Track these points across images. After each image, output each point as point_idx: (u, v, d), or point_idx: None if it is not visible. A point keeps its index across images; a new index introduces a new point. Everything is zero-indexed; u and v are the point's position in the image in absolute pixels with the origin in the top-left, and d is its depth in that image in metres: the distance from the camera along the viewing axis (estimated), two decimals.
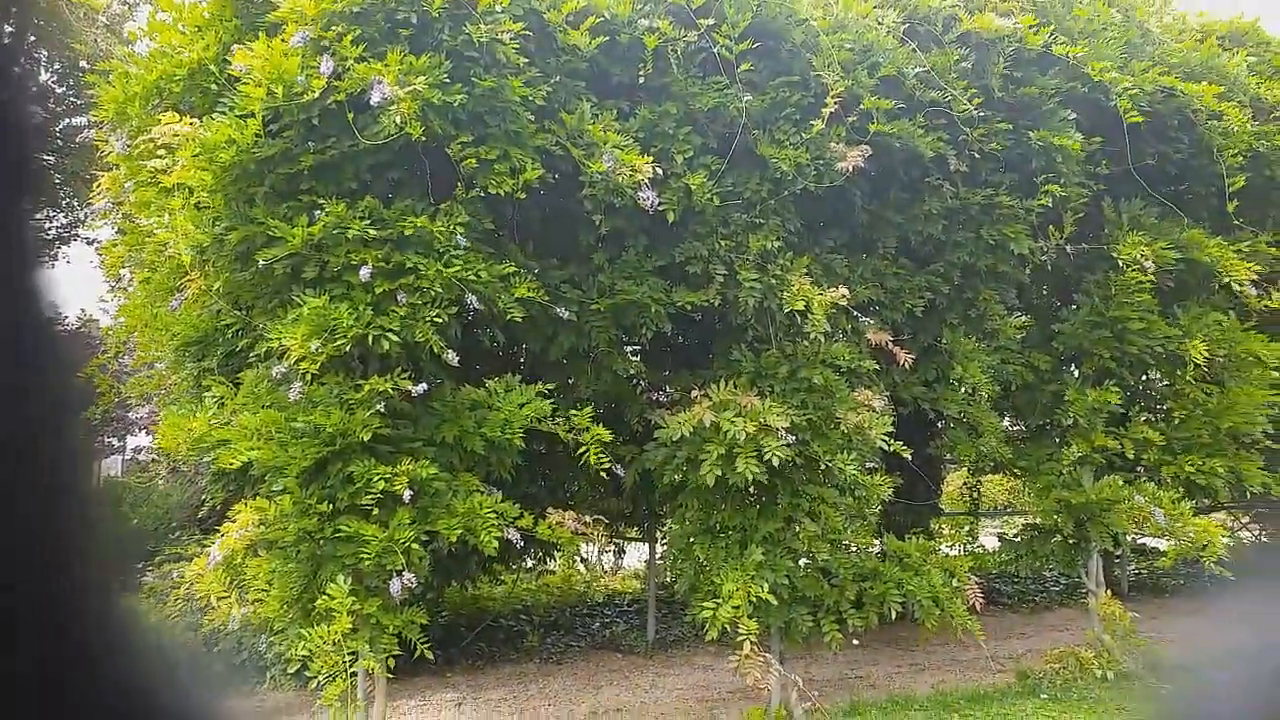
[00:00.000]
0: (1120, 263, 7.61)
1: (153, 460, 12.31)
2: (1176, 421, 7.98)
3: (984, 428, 7.69)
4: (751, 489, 6.54)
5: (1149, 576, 12.44)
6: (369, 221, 5.48)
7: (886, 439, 6.53)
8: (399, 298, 5.52)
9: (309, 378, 5.35)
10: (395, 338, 5.39)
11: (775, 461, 6.14)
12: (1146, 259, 7.59)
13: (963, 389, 7.64)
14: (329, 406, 5.40)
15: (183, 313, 6.44)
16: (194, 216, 5.52)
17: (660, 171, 6.12)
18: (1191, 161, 8.09)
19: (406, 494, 5.39)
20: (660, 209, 6.17)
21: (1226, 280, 7.84)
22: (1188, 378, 7.88)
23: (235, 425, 5.46)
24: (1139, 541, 11.48)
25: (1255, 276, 7.73)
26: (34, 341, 0.50)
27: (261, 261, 5.39)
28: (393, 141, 5.49)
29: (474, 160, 5.75)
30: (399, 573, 5.31)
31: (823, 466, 6.54)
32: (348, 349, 5.37)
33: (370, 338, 5.39)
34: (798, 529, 6.64)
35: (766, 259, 6.59)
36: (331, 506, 5.36)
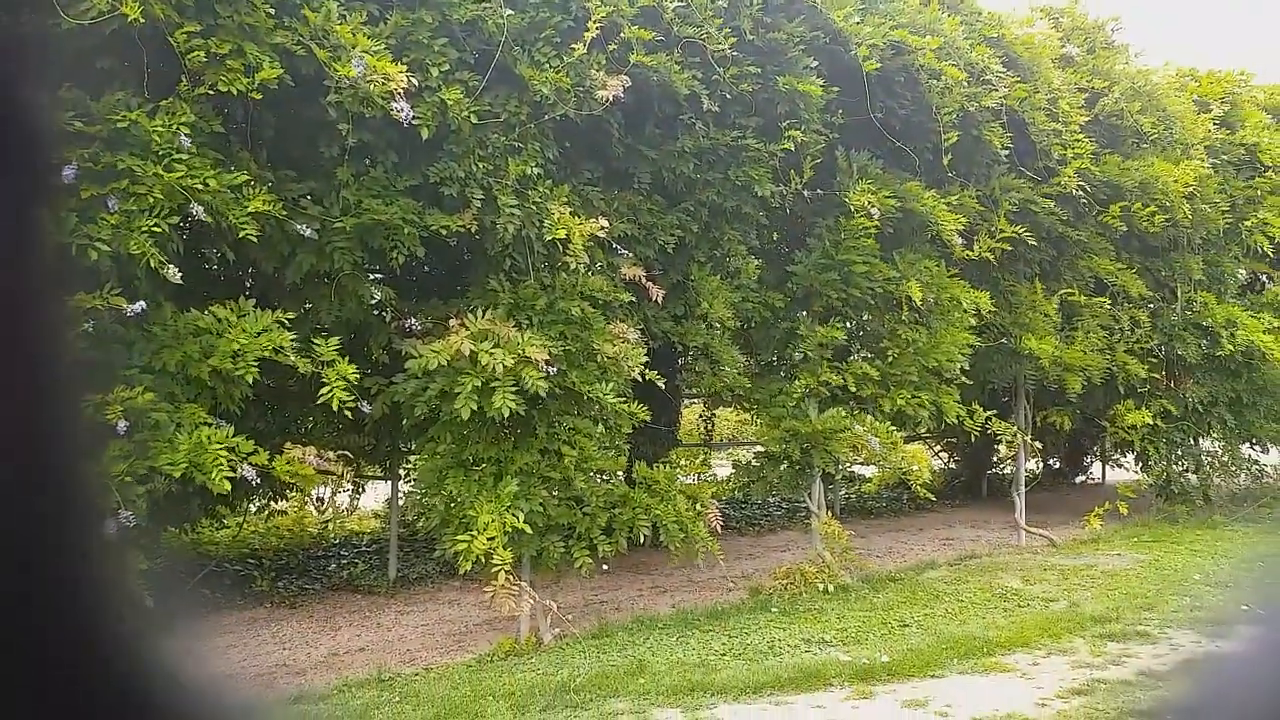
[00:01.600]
0: (851, 208, 8.14)
1: None
2: (891, 359, 8.73)
3: (725, 361, 8.03)
4: (507, 420, 6.45)
5: (857, 500, 13.71)
6: (73, 114, 4.74)
7: (642, 369, 6.65)
8: (110, 203, 4.85)
9: None
10: (105, 248, 4.74)
11: (536, 394, 6.07)
12: (873, 206, 8.18)
13: (707, 325, 7.92)
14: None
15: None
16: None
17: (415, 83, 5.76)
18: (913, 117, 8.77)
19: (121, 425, 4.80)
20: (414, 123, 5.82)
21: (938, 230, 8.61)
22: (902, 318, 8.63)
23: None
24: (848, 469, 12.57)
25: (961, 227, 8.56)
26: (47, 344, 0.51)
27: None
28: (103, 23, 4.76)
29: (203, 54, 5.13)
30: (114, 512, 4.74)
31: (582, 397, 6.55)
32: None
33: (75, 247, 4.70)
34: (555, 459, 6.64)
35: (526, 185, 6.43)
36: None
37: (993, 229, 9.19)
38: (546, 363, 6.18)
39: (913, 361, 8.72)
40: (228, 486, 5.16)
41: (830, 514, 8.94)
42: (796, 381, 8.40)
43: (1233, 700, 0.67)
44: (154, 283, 5.21)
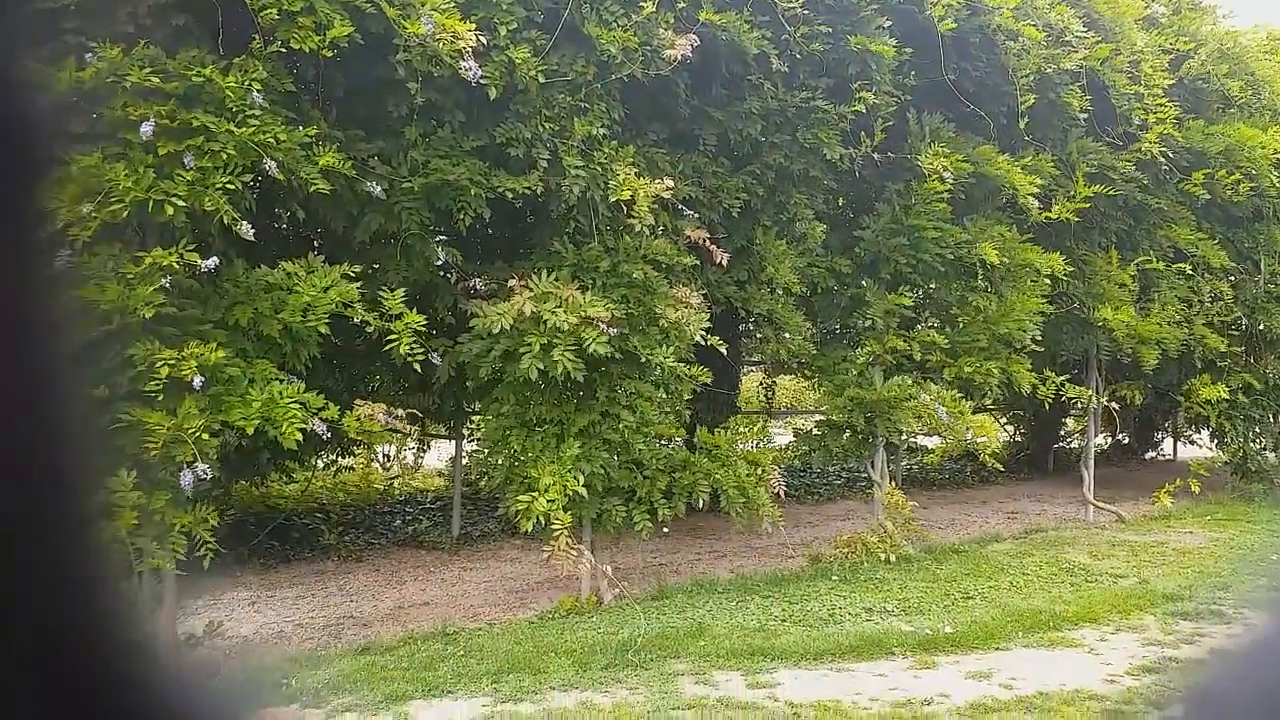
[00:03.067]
0: (922, 172, 7.95)
1: None
2: (961, 326, 8.55)
3: (789, 327, 7.94)
4: (569, 383, 6.46)
5: (919, 471, 13.53)
6: (150, 70, 4.81)
7: (704, 334, 6.61)
8: (186, 160, 4.92)
9: (79, 246, 4.70)
10: (181, 204, 4.82)
11: (596, 353, 6.07)
12: (945, 170, 7.98)
13: (771, 290, 7.83)
14: (104, 280, 4.78)
15: None
16: None
17: (483, 41, 5.74)
18: (988, 79, 8.51)
19: (196, 380, 4.90)
20: (482, 82, 5.80)
21: (1012, 194, 8.38)
22: (973, 285, 8.44)
23: None
24: (911, 439, 12.40)
25: (1038, 190, 8.30)
26: (46, 341, 0.51)
27: None
28: None
29: (275, 11, 5.16)
30: (189, 465, 4.86)
31: (641, 360, 6.54)
32: (125, 215, 4.75)
33: (151, 204, 4.79)
34: (615, 422, 6.64)
35: (591, 146, 6.38)
36: (109, 392, 4.79)
37: (1070, 193, 8.89)
38: (608, 324, 6.16)
39: (982, 329, 8.53)
40: (298, 440, 5.25)
41: (893, 484, 8.84)
42: (861, 349, 8.28)
43: (1251, 686, 0.62)
44: (227, 239, 5.29)
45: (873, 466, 8.82)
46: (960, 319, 8.58)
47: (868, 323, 8.37)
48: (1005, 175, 8.23)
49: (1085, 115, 8.96)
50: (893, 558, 7.94)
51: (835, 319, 8.98)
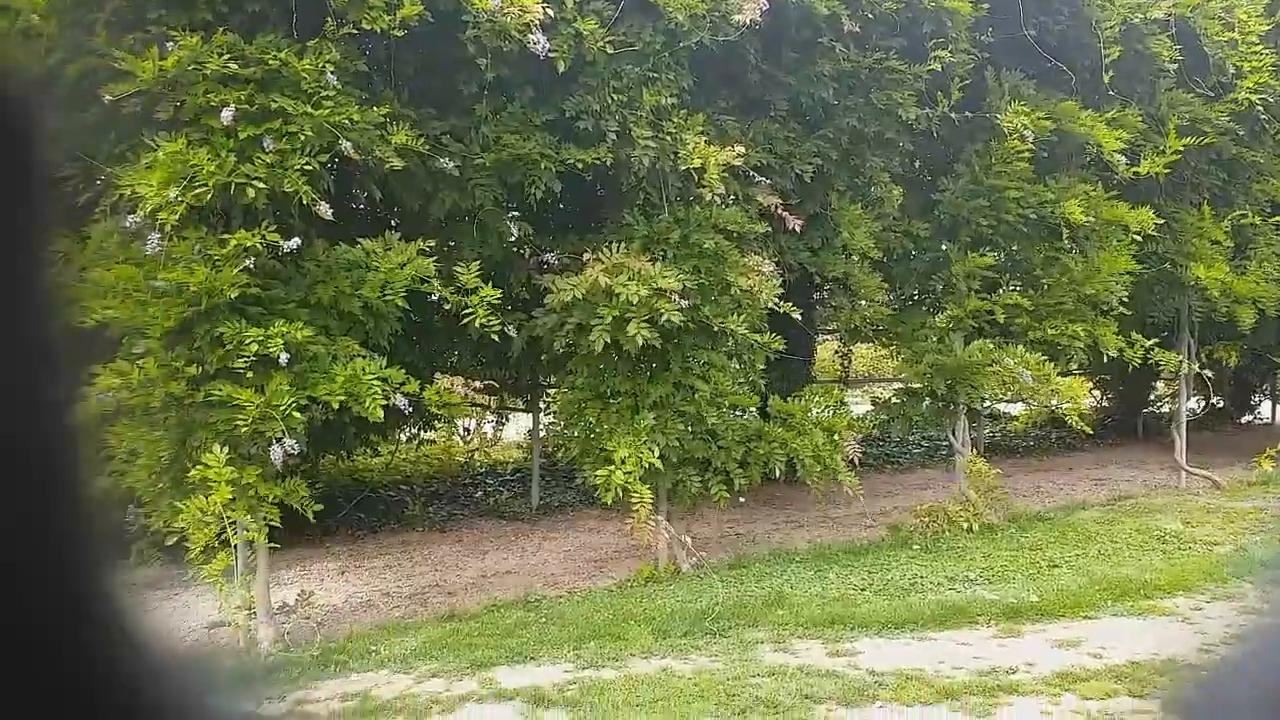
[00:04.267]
0: (1003, 131, 7.72)
1: None
2: (1045, 288, 8.31)
3: (865, 293, 7.83)
4: (642, 354, 6.48)
5: (1002, 438, 13.25)
6: (229, 57, 4.93)
7: (777, 301, 6.55)
8: (265, 143, 5.05)
9: (168, 230, 4.87)
10: (262, 186, 4.95)
11: (669, 324, 6.07)
12: (1026, 128, 7.73)
13: (846, 255, 7.71)
14: (192, 263, 4.95)
15: None
16: (22, 44, 4.84)
17: (550, 14, 5.74)
18: (1070, 33, 8.20)
19: (283, 357, 5.06)
20: (550, 56, 5.81)
21: (1098, 150, 8.08)
22: (1057, 245, 8.18)
23: (86, 283, 4.94)
24: (994, 405, 12.12)
25: (1124, 145, 7.99)
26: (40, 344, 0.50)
27: (108, 98, 4.80)
28: None
29: None
30: (278, 440, 5.03)
31: (714, 330, 6.52)
32: (209, 199, 4.90)
33: (234, 187, 4.94)
34: (689, 393, 6.65)
35: (661, 115, 6.35)
36: (201, 370, 4.98)
37: (1159, 147, 8.52)
38: (679, 295, 6.15)
39: (1067, 291, 8.27)
40: (380, 414, 5.39)
41: (975, 452, 8.67)
42: (941, 313, 8.11)
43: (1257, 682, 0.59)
44: (307, 220, 5.43)
45: (954, 434, 8.66)
46: (1044, 280, 8.34)
47: (947, 286, 8.18)
48: (1089, 131, 7.93)
49: (1175, 66, 8.56)
50: (975, 526, 7.80)
51: (913, 283, 8.81)
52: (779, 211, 6.92)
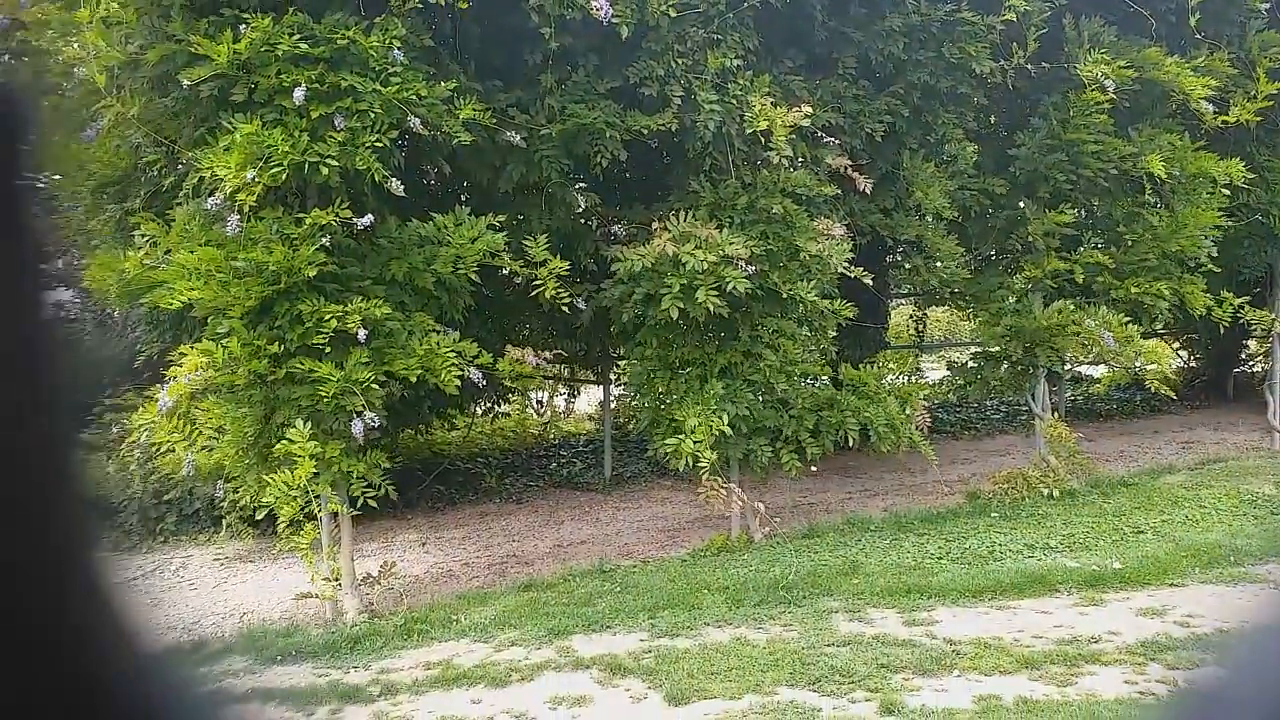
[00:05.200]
0: (1081, 81, 7.43)
1: (73, 316, 11.76)
2: (1128, 245, 8.02)
3: (940, 255, 7.65)
4: (710, 323, 6.45)
5: (1084, 402, 12.89)
6: (299, 37, 5.01)
7: (847, 265, 6.44)
8: (336, 122, 5.13)
9: (246, 211, 4.99)
10: (335, 164, 5.03)
11: (736, 291, 6.02)
12: (1106, 78, 7.43)
13: (920, 216, 7.54)
14: (270, 242, 5.07)
15: (98, 147, 5.92)
16: (103, 34, 4.98)
17: None
18: None
19: (361, 333, 5.16)
20: (614, 22, 5.77)
21: (1183, 98, 7.73)
22: (1140, 200, 7.88)
23: (171, 265, 5.10)
24: (1075, 368, 11.80)
25: (1211, 92, 7.63)
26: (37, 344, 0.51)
27: (186, 83, 4.91)
28: None
29: None
30: (359, 414, 5.14)
31: (783, 296, 6.45)
32: (284, 178, 5.00)
33: (308, 166, 5.03)
34: (757, 361, 6.60)
35: (725, 78, 6.27)
36: (282, 348, 5.11)
37: (1250, 93, 8.11)
38: (747, 262, 6.09)
39: (1151, 247, 7.97)
40: (457, 386, 5.47)
41: (1055, 416, 8.45)
42: (1019, 273, 7.89)
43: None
44: (379, 197, 5.51)
45: (1033, 398, 8.45)
46: (1127, 237, 8.04)
47: (1025, 245, 7.95)
48: (1174, 78, 7.58)
49: (1267, 6, 8.14)
50: (1056, 493, 7.62)
51: (990, 243, 8.57)
52: (849, 173, 6.78)
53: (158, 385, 5.26)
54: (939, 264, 7.68)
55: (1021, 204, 7.98)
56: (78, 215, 6.82)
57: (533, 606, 5.76)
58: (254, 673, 4.99)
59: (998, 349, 8.07)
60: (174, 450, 5.32)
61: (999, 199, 7.93)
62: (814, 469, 7.10)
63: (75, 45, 5.15)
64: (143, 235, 5.42)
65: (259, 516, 5.91)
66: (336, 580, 5.66)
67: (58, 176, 6.48)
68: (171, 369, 5.16)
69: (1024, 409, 9.75)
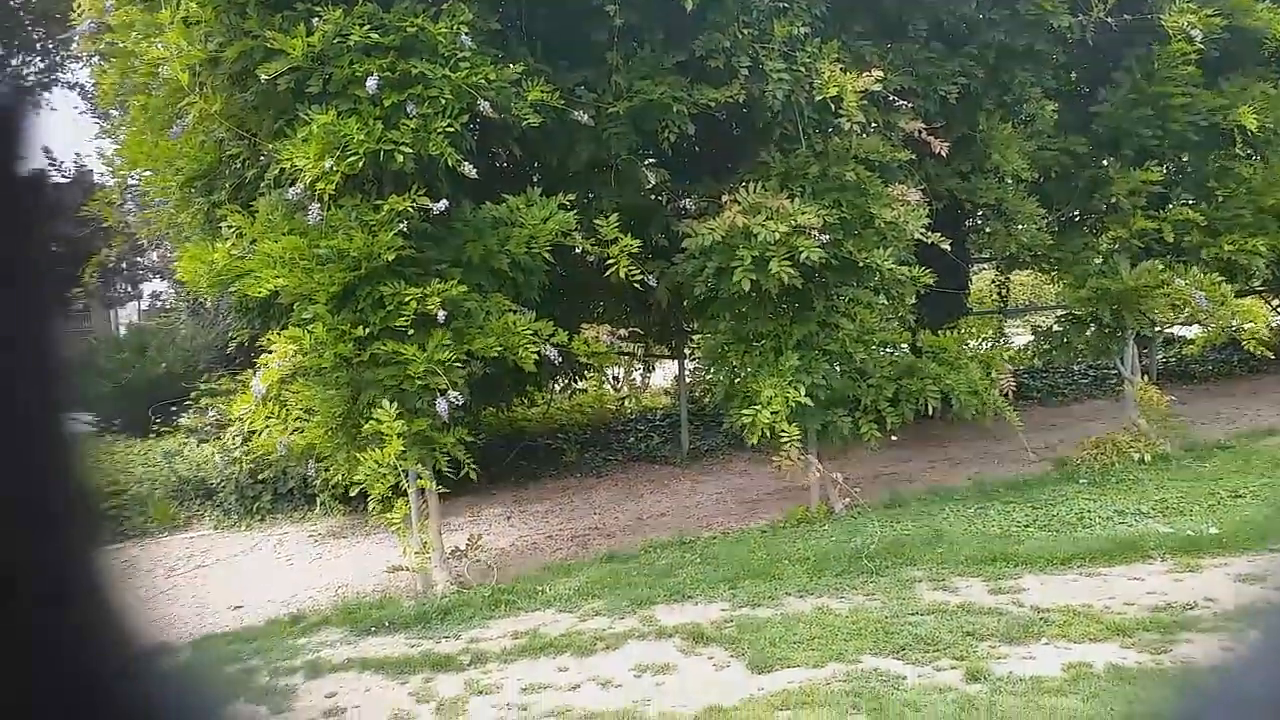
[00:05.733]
0: (1168, 32, 7.14)
1: (168, 306, 12.26)
2: (1220, 200, 7.70)
3: (1021, 217, 7.46)
4: (784, 295, 6.42)
5: (1177, 364, 12.45)
6: (369, 27, 5.12)
7: (924, 231, 6.33)
8: (408, 109, 5.24)
9: (326, 199, 5.15)
10: (409, 150, 5.15)
11: (810, 261, 5.98)
12: (1193, 28, 7.12)
13: (999, 179, 7.36)
14: (350, 229, 5.22)
15: (184, 143, 6.15)
16: (184, 33, 5.17)
17: None
18: None
19: (441, 314, 5.29)
20: None
21: (1275, 46, 7.38)
22: (1233, 153, 7.55)
23: (257, 254, 5.30)
24: (1166, 329, 11.40)
25: None
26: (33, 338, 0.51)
27: (263, 77, 5.08)
28: None
29: None
30: (443, 392, 5.29)
31: (859, 265, 6.37)
32: (361, 166, 5.14)
33: (382, 154, 5.15)
34: (834, 331, 6.55)
35: (793, 46, 6.20)
36: (366, 331, 5.27)
37: None
38: (819, 231, 6.03)
39: (1245, 203, 7.65)
40: (534, 364, 5.58)
41: (1146, 379, 8.19)
42: (1104, 234, 7.65)
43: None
44: (453, 181, 5.62)
45: (1122, 362, 8.21)
46: (1218, 193, 7.72)
47: (1110, 205, 7.69)
48: (1267, 24, 7.24)
49: None
50: (1148, 457, 7.40)
51: (1073, 204, 8.31)
52: (923, 137, 6.64)
53: (249, 370, 5.48)
54: (1020, 227, 7.50)
55: (1105, 163, 7.73)
56: (168, 210, 7.11)
57: (615, 577, 5.85)
58: (350, 643, 5.20)
59: (1083, 312, 7.85)
60: (269, 431, 5.55)
61: (1081, 158, 7.69)
62: (895, 438, 7.04)
63: (159, 45, 5.35)
64: (229, 226, 5.64)
65: (351, 494, 6.11)
66: (427, 554, 5.84)
67: (148, 173, 6.77)
68: (263, 356, 5.37)
69: (1113, 373, 9.47)
